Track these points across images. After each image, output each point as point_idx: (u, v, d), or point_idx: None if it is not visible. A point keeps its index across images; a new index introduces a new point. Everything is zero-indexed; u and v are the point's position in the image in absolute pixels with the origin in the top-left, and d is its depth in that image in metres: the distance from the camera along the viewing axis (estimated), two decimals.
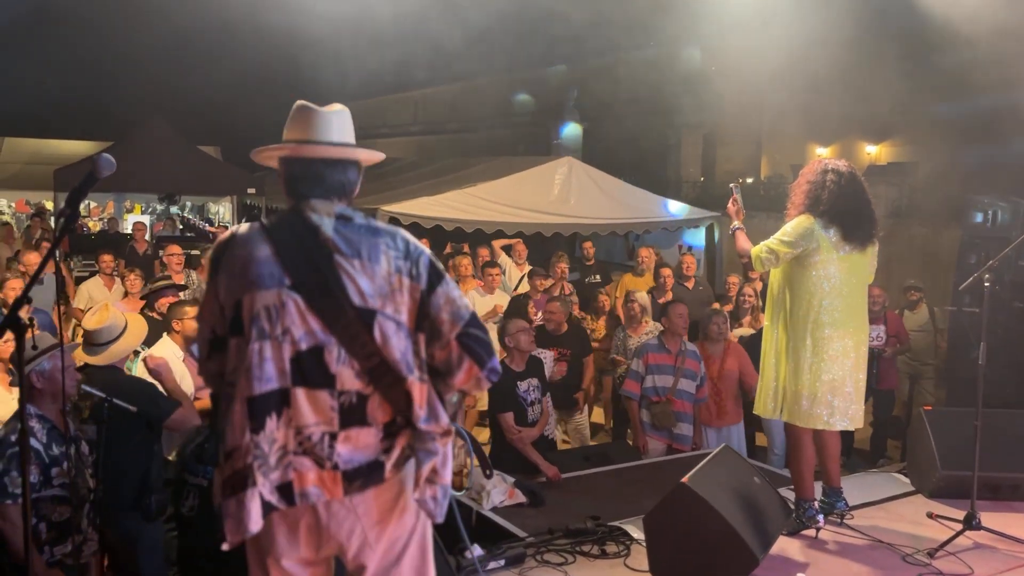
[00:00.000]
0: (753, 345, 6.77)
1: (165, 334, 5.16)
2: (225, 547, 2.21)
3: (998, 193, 7.38)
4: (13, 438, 3.47)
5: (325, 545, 2.32)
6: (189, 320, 5.09)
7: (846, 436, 6.21)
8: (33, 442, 3.51)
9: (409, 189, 12.39)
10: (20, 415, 2.45)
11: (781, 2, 10.91)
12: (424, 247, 2.44)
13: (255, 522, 2.20)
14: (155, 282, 6.60)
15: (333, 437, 2.26)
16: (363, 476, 2.28)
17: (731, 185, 4.80)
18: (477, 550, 3.85)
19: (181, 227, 16.87)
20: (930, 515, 4.69)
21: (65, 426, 3.74)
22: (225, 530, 2.20)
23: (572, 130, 23.06)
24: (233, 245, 2.35)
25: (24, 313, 2.40)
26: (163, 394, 4.18)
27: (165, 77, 23.36)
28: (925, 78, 15.30)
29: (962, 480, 4.67)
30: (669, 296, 7.96)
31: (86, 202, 18.47)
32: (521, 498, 4.78)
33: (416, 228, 9.38)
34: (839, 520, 4.55)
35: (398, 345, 2.30)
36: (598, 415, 8.51)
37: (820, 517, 4.42)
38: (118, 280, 8.98)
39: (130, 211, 18.80)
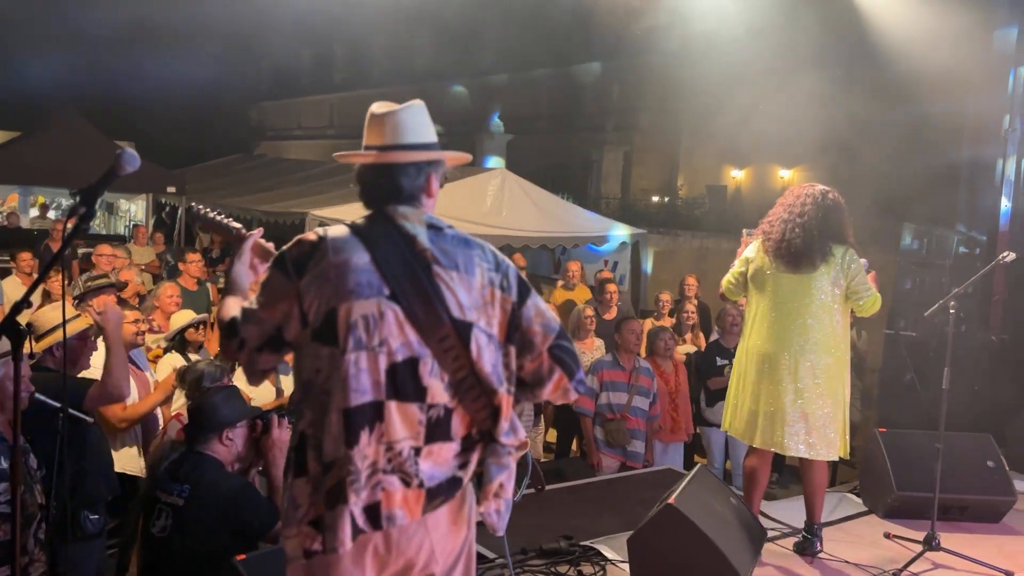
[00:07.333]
0: (700, 362, 6.92)
1: None
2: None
3: (926, 221, 7.69)
4: None
5: (392, 564, 2.22)
6: (129, 324, 4.81)
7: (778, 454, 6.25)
8: None
9: (339, 194, 12.11)
10: (14, 431, 2.23)
11: (700, 26, 11.08)
12: (509, 260, 2.39)
13: (343, 542, 2.13)
14: (92, 280, 6.15)
15: (417, 452, 2.19)
16: (443, 493, 2.22)
17: (744, 231, 4.72)
18: None
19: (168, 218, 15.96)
20: (887, 535, 4.80)
21: (14, 437, 3.45)
22: (325, 541, 2.15)
23: (494, 163, 23.16)
24: (325, 250, 2.22)
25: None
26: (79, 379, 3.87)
27: (80, 67, 22.16)
28: (843, 106, 15.84)
29: (917, 501, 4.81)
30: (614, 312, 7.97)
31: None
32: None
33: None
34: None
35: (489, 358, 2.25)
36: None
37: None
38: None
39: (34, 205, 17.79)
